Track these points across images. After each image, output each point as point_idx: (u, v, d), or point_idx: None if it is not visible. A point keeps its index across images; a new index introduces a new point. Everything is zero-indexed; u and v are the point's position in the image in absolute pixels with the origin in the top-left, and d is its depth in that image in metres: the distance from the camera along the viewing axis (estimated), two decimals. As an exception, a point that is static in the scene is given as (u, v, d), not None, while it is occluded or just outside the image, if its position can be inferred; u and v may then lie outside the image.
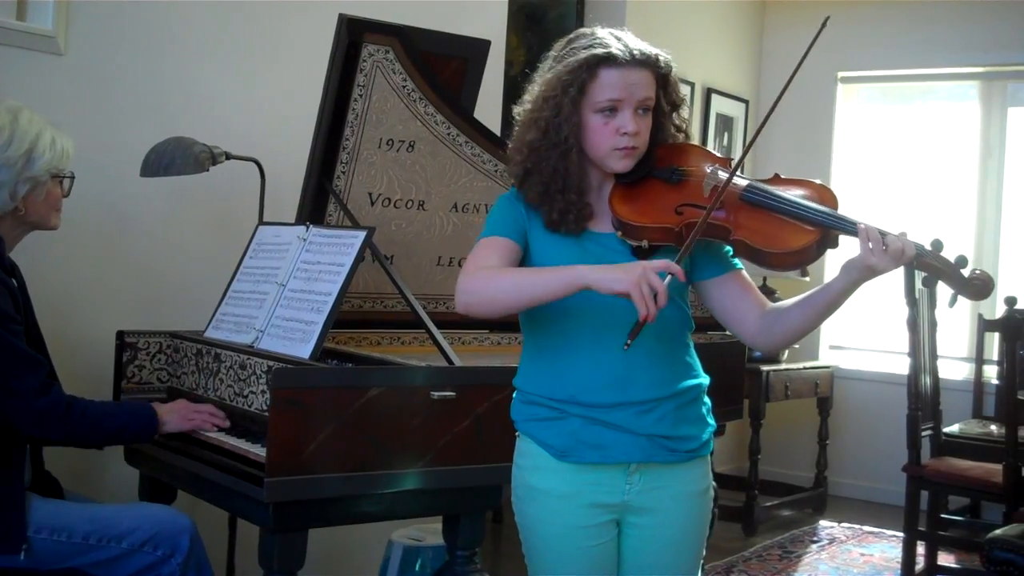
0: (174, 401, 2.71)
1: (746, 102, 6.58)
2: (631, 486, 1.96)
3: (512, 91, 4.60)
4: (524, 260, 1.97)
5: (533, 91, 1.99)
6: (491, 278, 1.86)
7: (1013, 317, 3.96)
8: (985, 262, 5.98)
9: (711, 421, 2.05)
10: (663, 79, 1.97)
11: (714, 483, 2.12)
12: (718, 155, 2.01)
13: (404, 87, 3.04)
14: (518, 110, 2.02)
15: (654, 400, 1.94)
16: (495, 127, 4.08)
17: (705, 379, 2.05)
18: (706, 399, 2.05)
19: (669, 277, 1.74)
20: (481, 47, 3.27)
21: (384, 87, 3.01)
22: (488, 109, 3.86)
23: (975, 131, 6.16)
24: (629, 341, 1.77)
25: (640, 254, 1.93)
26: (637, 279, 1.70)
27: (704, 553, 2.09)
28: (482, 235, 1.97)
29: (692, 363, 2.04)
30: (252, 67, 3.57)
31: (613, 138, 1.91)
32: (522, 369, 2.05)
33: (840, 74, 6.46)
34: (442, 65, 3.15)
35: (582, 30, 2.00)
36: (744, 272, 2.03)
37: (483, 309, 1.87)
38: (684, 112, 2.04)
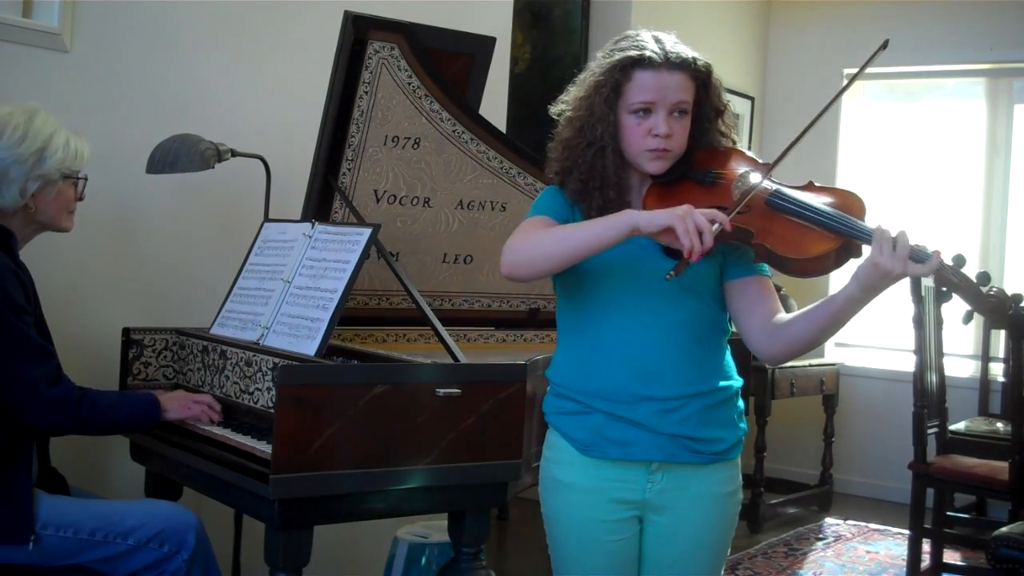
0: (174, 391, 2.73)
1: (751, 99, 6.57)
2: (652, 484, 1.97)
3: (518, 88, 4.60)
4: None
5: (571, 91, 2.03)
6: (538, 236, 1.89)
7: (1019, 314, 3.95)
8: (991, 259, 5.97)
9: (742, 425, 2.05)
10: (703, 83, 1.98)
11: None
12: (758, 160, 2.01)
13: (409, 84, 3.03)
14: (555, 109, 2.05)
15: (679, 398, 1.94)
16: (500, 124, 4.08)
17: (738, 381, 2.05)
18: (739, 403, 2.05)
19: (716, 224, 1.76)
20: (487, 44, 3.26)
21: (389, 84, 3.01)
22: (493, 106, 3.86)
23: (981, 128, 6.15)
24: (672, 273, 1.79)
25: (670, 253, 1.94)
26: (682, 213, 1.73)
27: (728, 554, 2.09)
28: (528, 216, 2.01)
29: (725, 366, 2.04)
30: (258, 64, 3.57)
31: (645, 139, 1.93)
32: (554, 362, 2.08)
33: (846, 71, 6.44)
34: (447, 62, 3.15)
35: (628, 32, 2.02)
36: (767, 280, 2.02)
37: (531, 267, 1.88)
38: (729, 118, 2.05)
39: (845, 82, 6.63)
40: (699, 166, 2.01)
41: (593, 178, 1.95)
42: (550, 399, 2.07)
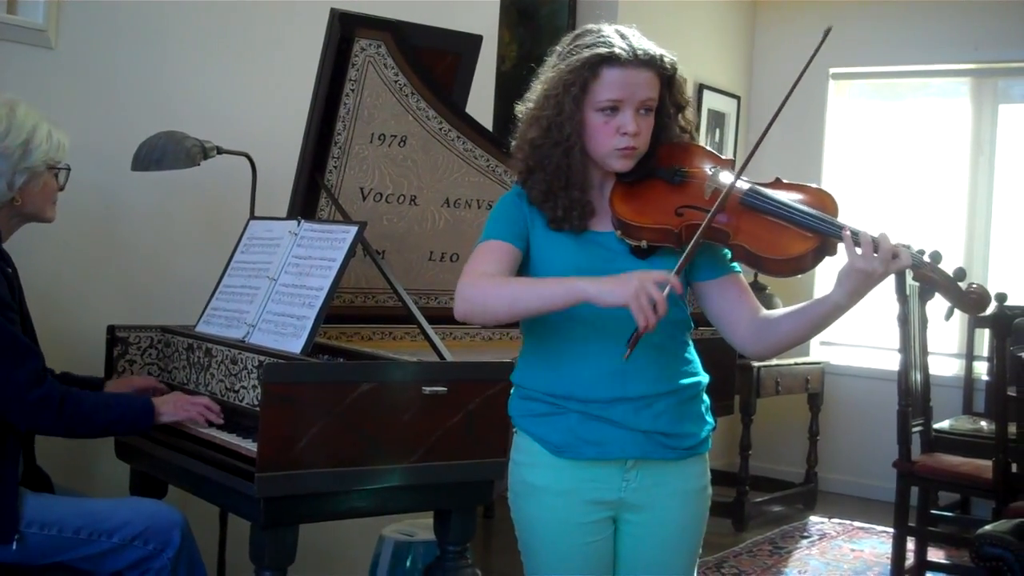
0: (170, 393, 2.71)
1: (738, 98, 6.58)
2: (628, 482, 1.96)
3: (504, 86, 4.59)
4: (525, 261, 1.96)
5: (536, 88, 1.99)
6: (489, 288, 1.86)
7: (1003, 314, 3.97)
8: (976, 258, 6.00)
9: (710, 419, 2.05)
10: (668, 80, 1.96)
11: None
12: (721, 156, 2.00)
13: (396, 82, 3.03)
14: (521, 108, 2.01)
15: (652, 396, 1.94)
16: (487, 122, 4.08)
17: (704, 377, 2.05)
18: (705, 397, 2.05)
19: (668, 288, 1.73)
20: (473, 42, 3.26)
21: (376, 82, 3.01)
22: (480, 104, 3.86)
23: (966, 127, 6.18)
24: (628, 351, 1.77)
25: (639, 253, 1.93)
26: (635, 291, 1.69)
27: (700, 551, 2.09)
28: (482, 238, 1.97)
29: (692, 361, 2.04)
30: (244, 61, 3.56)
31: (613, 137, 1.91)
32: (520, 365, 2.05)
33: (832, 70, 6.47)
34: (434, 60, 3.15)
35: (588, 26, 1.98)
36: (741, 276, 2.02)
37: (481, 318, 1.90)
38: (690, 114, 2.04)
39: (830, 81, 6.65)
40: (664, 163, 1.98)
41: (558, 178, 1.92)
42: (517, 402, 2.03)
